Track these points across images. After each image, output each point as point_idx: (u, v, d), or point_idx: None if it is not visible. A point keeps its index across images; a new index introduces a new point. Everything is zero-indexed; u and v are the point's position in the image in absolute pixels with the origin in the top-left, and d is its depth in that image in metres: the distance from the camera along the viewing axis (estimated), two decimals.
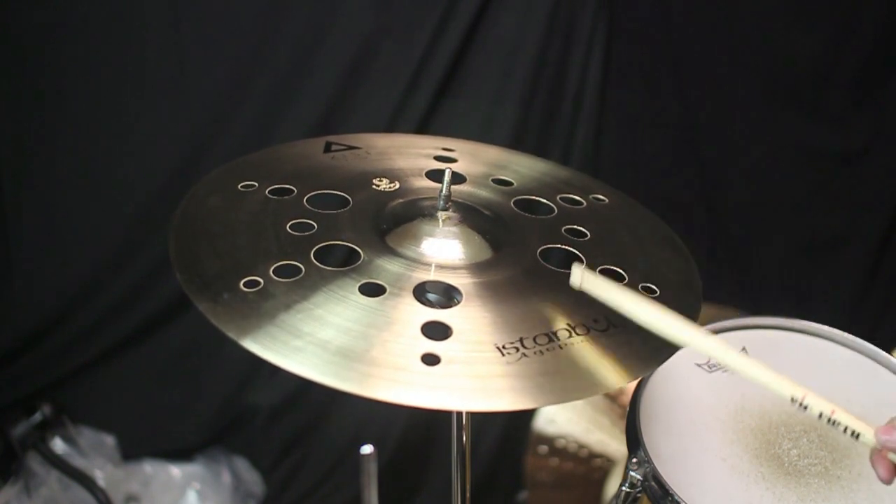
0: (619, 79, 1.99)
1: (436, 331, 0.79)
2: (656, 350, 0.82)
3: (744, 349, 1.17)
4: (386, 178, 1.04)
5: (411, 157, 1.11)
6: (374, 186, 1.01)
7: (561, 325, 0.82)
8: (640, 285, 0.92)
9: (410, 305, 0.81)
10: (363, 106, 1.90)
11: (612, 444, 1.68)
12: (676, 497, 0.93)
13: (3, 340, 1.98)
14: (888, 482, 0.75)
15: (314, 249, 0.86)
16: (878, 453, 0.75)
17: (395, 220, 0.95)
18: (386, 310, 0.80)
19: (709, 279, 0.97)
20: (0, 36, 1.79)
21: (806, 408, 0.74)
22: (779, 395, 0.75)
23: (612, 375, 0.79)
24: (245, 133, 1.89)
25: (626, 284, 0.91)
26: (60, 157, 1.90)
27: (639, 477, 0.98)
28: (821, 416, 0.74)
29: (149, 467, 2.00)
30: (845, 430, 0.74)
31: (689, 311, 0.90)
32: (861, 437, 0.74)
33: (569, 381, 0.77)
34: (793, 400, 0.74)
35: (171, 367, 2.06)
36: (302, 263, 0.84)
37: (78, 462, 1.93)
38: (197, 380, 2.06)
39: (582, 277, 0.79)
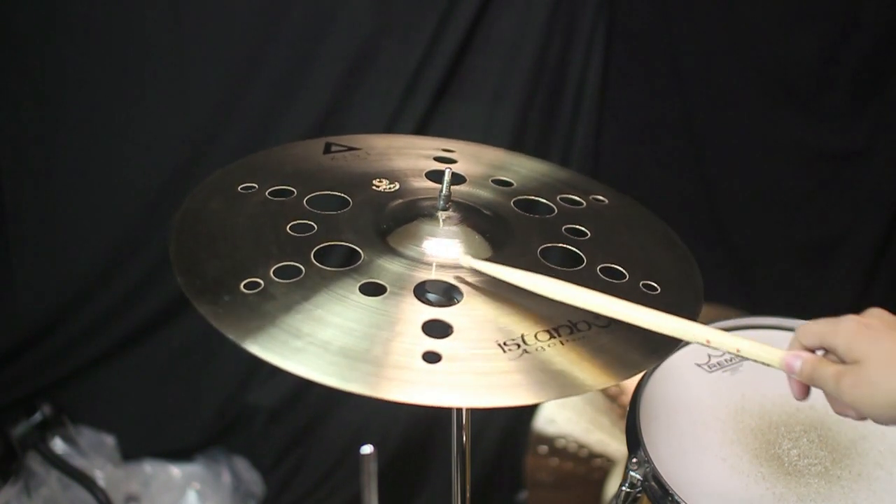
0: (619, 79, 1.99)
1: (437, 329, 0.79)
2: (657, 345, 0.83)
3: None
4: (386, 178, 1.04)
5: (411, 157, 1.11)
6: (374, 187, 1.01)
7: (563, 321, 0.82)
8: (641, 283, 0.92)
9: (411, 304, 0.81)
10: (363, 106, 1.90)
11: (612, 444, 1.68)
12: (676, 497, 0.93)
13: (3, 340, 1.98)
14: (801, 399, 0.82)
15: (314, 250, 0.86)
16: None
17: (395, 220, 0.95)
18: (387, 309, 0.80)
19: (709, 279, 0.97)
20: (0, 36, 1.79)
21: (715, 349, 0.81)
22: (690, 340, 0.80)
23: (614, 371, 0.79)
24: (245, 134, 1.88)
25: (626, 283, 0.92)
26: (60, 158, 1.90)
27: (639, 477, 0.98)
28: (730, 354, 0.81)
29: (149, 467, 2.00)
30: (755, 361, 0.79)
31: (690, 311, 0.90)
32: (771, 366, 0.79)
33: (570, 377, 0.77)
34: (704, 343, 0.80)
35: (171, 367, 2.06)
36: (302, 264, 0.84)
37: (78, 462, 1.93)
38: (197, 380, 2.06)
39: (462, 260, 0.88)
